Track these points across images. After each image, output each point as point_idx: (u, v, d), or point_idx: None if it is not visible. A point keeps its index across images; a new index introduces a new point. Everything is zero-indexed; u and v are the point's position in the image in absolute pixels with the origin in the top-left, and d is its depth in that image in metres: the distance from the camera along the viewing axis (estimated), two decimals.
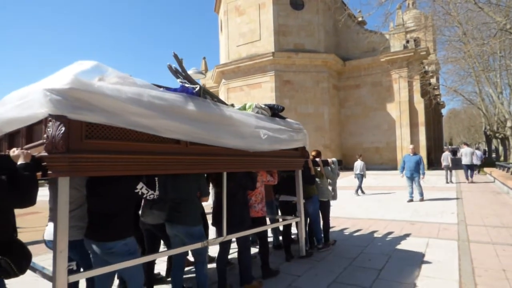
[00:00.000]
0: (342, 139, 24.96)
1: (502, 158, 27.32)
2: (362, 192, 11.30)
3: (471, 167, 14.16)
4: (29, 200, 1.95)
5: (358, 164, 11.26)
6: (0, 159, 2.00)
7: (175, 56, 2.76)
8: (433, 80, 31.15)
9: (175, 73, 2.80)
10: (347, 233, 5.89)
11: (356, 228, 6.28)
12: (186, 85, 2.69)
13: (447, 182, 13.86)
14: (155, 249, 3.40)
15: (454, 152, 24.63)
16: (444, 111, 50.99)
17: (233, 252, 4.17)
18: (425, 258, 4.29)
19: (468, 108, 40.24)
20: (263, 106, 3.46)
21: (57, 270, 2.09)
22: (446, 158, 14.33)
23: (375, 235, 5.70)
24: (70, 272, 2.21)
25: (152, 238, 3.37)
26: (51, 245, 2.59)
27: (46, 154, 2.05)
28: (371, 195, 10.94)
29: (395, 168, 22.76)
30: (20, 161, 1.99)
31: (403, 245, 4.93)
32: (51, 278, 2.15)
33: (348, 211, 8.10)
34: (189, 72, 8.79)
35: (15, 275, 1.95)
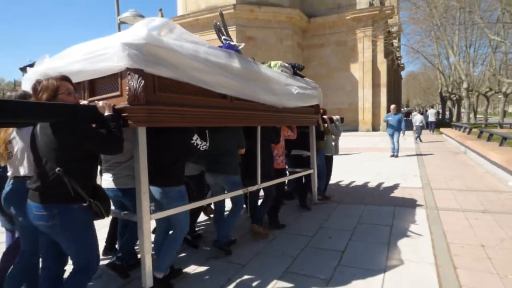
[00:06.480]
0: None
1: (454, 119, 30.49)
2: (420, 140, 15.66)
3: (432, 124, 21.19)
4: (121, 148, 2.31)
5: (418, 117, 16.11)
6: (91, 110, 2.30)
7: (221, 14, 3.10)
8: (395, 42, 32.99)
9: (219, 31, 3.16)
10: None
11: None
12: (232, 43, 3.07)
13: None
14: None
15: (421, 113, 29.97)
16: (403, 74, 54.61)
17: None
18: (393, 233, 4.01)
19: (425, 71, 43.68)
20: (286, 64, 3.95)
21: (142, 209, 2.51)
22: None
23: (335, 204, 5.39)
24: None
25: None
26: (109, 193, 2.97)
27: (127, 105, 2.39)
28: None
29: (356, 129, 24.51)
30: (106, 113, 2.31)
31: (367, 216, 4.70)
32: (135, 217, 2.58)
33: None
34: (127, 14, 9.05)
35: (103, 217, 2.31)
